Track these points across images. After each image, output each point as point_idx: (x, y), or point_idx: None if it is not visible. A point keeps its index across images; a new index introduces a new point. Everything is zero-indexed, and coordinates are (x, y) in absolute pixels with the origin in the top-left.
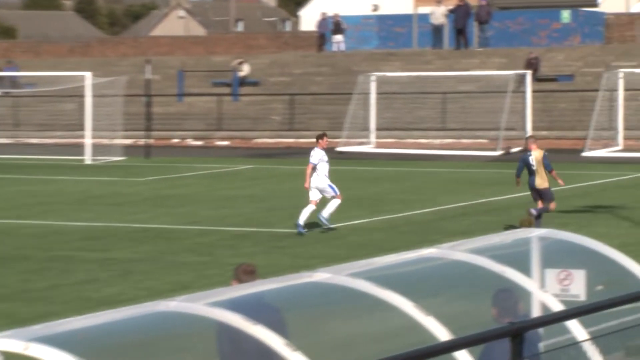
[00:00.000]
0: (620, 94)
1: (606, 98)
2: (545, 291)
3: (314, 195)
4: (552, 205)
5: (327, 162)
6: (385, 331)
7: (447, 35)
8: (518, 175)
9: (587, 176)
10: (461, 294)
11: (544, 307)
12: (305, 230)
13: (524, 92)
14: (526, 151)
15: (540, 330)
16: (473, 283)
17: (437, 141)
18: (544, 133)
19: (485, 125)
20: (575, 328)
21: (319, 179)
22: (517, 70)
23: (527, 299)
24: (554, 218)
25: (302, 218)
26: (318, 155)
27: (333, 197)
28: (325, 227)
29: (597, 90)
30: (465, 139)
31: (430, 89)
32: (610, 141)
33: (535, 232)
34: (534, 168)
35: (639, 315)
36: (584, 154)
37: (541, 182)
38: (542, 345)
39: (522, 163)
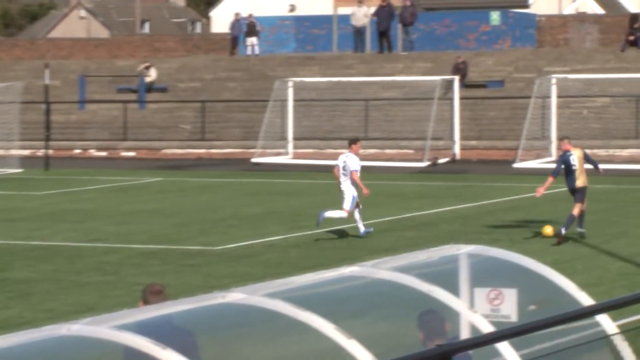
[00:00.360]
0: (553, 101)
1: (538, 105)
2: (474, 311)
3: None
4: (580, 207)
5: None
6: (304, 355)
7: (369, 38)
8: (555, 175)
9: (519, 189)
10: (385, 315)
11: (474, 328)
12: (371, 228)
13: (451, 99)
14: (564, 152)
15: (470, 352)
16: (398, 303)
17: (361, 151)
18: (473, 143)
19: (411, 135)
20: (507, 350)
21: (346, 185)
22: (444, 76)
23: (456, 320)
24: (483, 234)
25: (360, 223)
26: (356, 160)
27: (343, 208)
28: (317, 223)
29: (528, 97)
30: (389, 149)
31: (352, 95)
32: (543, 151)
33: (464, 249)
34: (575, 168)
35: (574, 336)
36: (515, 165)
37: (582, 180)
38: None
39: (562, 164)
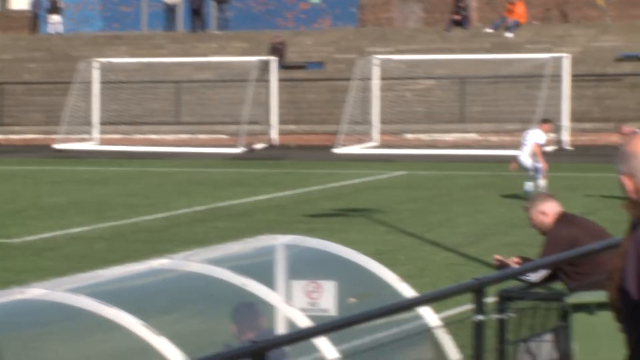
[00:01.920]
0: (376, 83)
1: (360, 88)
2: (291, 305)
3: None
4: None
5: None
6: (110, 354)
7: (181, 16)
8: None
9: (339, 176)
10: (197, 310)
11: (290, 323)
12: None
13: (268, 81)
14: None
15: (286, 348)
16: (211, 297)
17: (171, 137)
18: (291, 127)
19: (225, 119)
20: (325, 346)
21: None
22: (260, 57)
23: (271, 314)
24: (301, 224)
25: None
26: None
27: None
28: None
29: (349, 80)
30: (203, 134)
31: (162, 77)
32: (365, 136)
33: (280, 240)
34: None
35: (395, 330)
36: (336, 150)
37: None
38: None
39: None
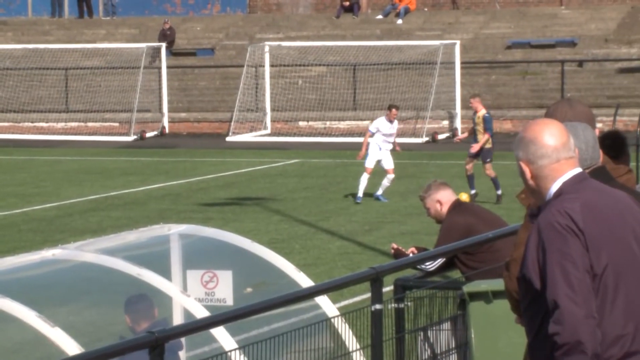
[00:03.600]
0: (267, 70)
1: (251, 75)
2: (187, 295)
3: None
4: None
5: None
6: (5, 346)
7: (67, 1)
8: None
9: (232, 164)
10: (93, 301)
11: (187, 313)
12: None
13: (159, 68)
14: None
15: (183, 339)
16: (105, 288)
17: (60, 125)
18: (183, 115)
19: (116, 107)
20: (222, 336)
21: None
22: (150, 43)
23: (168, 305)
24: (195, 212)
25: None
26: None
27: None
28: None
29: (241, 66)
30: (93, 122)
31: (50, 64)
32: (257, 124)
33: (175, 229)
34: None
35: (293, 319)
36: (228, 138)
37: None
38: (185, 357)
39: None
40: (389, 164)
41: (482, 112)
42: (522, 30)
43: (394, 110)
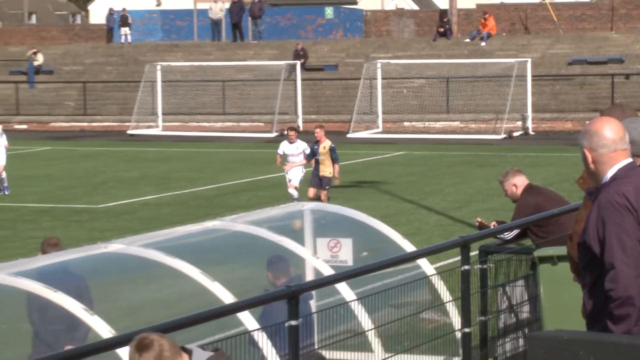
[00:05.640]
0: (379, 82)
1: (367, 86)
2: (317, 258)
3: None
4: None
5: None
6: (175, 296)
7: (224, 29)
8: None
9: (352, 155)
10: (243, 261)
11: (316, 271)
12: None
13: (294, 80)
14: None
15: (313, 292)
16: (253, 251)
17: (218, 124)
18: (313, 117)
19: (261, 110)
20: (344, 290)
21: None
22: (287, 61)
23: (301, 265)
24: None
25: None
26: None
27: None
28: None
29: (358, 79)
30: (244, 122)
31: (211, 77)
32: (371, 124)
33: (307, 206)
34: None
35: (400, 277)
36: (349, 135)
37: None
38: (314, 305)
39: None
40: (295, 180)
41: (327, 142)
42: (580, 50)
43: (291, 132)
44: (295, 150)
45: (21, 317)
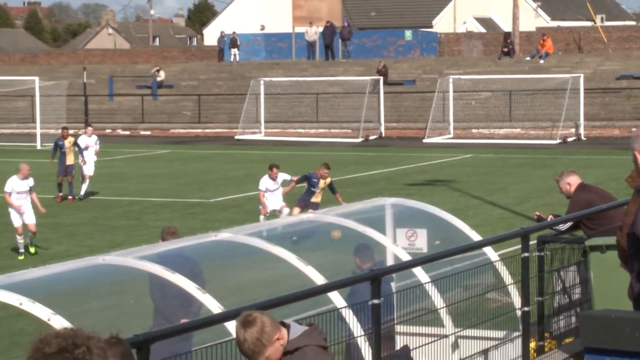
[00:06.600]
0: (451, 94)
1: (440, 98)
2: (396, 245)
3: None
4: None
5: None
6: (274, 278)
7: (318, 49)
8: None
9: (427, 157)
10: (333, 247)
11: (396, 257)
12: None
13: (378, 93)
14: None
15: (393, 275)
16: (342, 239)
17: (312, 131)
18: (394, 124)
19: (349, 119)
20: (420, 273)
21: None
22: (372, 76)
23: (383, 252)
24: (402, 190)
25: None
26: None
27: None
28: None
29: (433, 92)
30: (334, 129)
31: (306, 90)
32: (444, 131)
33: (388, 201)
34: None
35: (468, 262)
36: (424, 140)
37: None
38: (394, 286)
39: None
40: (279, 203)
41: (329, 179)
42: (627, 67)
43: (274, 169)
44: (276, 185)
45: (145, 294)
